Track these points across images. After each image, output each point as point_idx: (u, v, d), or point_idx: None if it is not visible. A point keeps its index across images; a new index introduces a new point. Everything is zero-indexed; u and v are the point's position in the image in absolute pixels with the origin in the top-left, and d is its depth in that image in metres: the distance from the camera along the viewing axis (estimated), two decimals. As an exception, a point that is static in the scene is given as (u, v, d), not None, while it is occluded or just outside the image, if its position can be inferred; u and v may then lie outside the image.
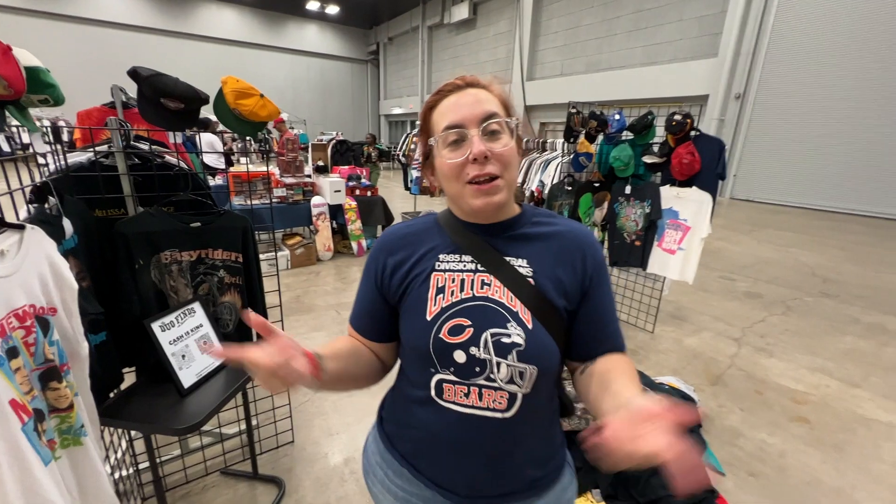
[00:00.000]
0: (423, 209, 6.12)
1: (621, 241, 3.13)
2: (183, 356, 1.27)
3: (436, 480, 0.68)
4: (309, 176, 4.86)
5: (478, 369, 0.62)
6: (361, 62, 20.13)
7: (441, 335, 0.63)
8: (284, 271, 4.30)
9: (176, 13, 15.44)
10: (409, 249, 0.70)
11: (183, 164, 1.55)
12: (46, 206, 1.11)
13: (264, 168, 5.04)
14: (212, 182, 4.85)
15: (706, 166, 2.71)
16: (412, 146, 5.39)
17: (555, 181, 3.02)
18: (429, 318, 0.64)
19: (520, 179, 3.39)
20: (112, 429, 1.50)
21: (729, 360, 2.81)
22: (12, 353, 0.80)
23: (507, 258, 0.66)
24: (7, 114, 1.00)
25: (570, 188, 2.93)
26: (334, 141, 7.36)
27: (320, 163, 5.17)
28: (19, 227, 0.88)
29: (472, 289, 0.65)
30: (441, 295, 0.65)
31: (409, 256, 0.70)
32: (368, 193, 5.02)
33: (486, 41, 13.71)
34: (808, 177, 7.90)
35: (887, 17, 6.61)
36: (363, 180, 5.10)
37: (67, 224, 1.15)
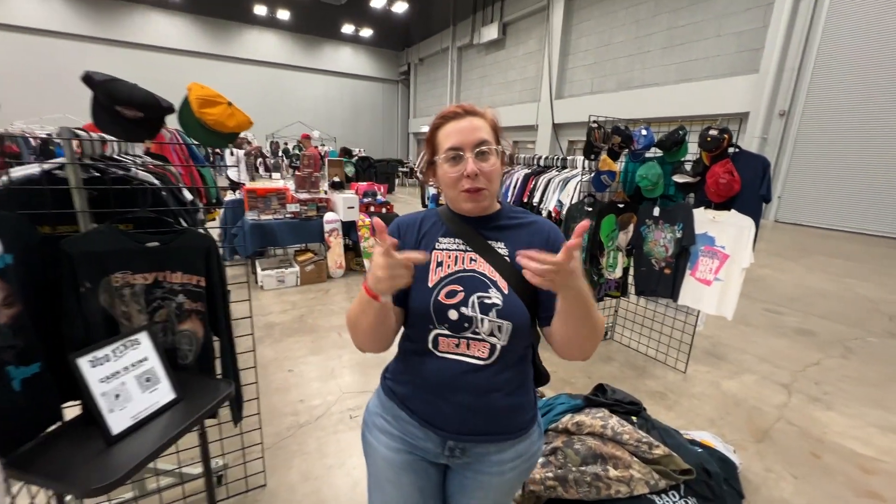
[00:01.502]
0: (440, 227, 5.95)
1: (648, 269, 2.82)
2: (117, 396, 1.10)
3: (427, 418, 0.84)
4: (325, 192, 4.81)
5: (466, 325, 0.80)
6: (392, 82, 20.66)
7: (439, 298, 0.81)
8: (292, 288, 4.20)
9: (222, 38, 16.44)
10: (416, 233, 0.90)
11: (151, 179, 1.43)
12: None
13: (283, 183, 5.04)
14: (231, 197, 4.89)
15: (747, 187, 2.39)
16: (430, 163, 5.29)
17: (573, 201, 2.77)
18: (430, 284, 0.83)
19: (536, 199, 3.16)
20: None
21: (777, 410, 2.40)
22: None
23: (490, 242, 0.85)
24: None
25: (590, 209, 2.67)
26: (356, 158, 7.38)
27: (336, 179, 5.12)
28: None
29: (463, 263, 0.84)
30: (440, 267, 0.84)
31: (417, 237, 0.90)
32: (384, 210, 4.91)
33: (514, 60, 13.69)
34: (861, 199, 7.20)
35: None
36: (379, 197, 5.00)
37: (-6, 242, 1.03)
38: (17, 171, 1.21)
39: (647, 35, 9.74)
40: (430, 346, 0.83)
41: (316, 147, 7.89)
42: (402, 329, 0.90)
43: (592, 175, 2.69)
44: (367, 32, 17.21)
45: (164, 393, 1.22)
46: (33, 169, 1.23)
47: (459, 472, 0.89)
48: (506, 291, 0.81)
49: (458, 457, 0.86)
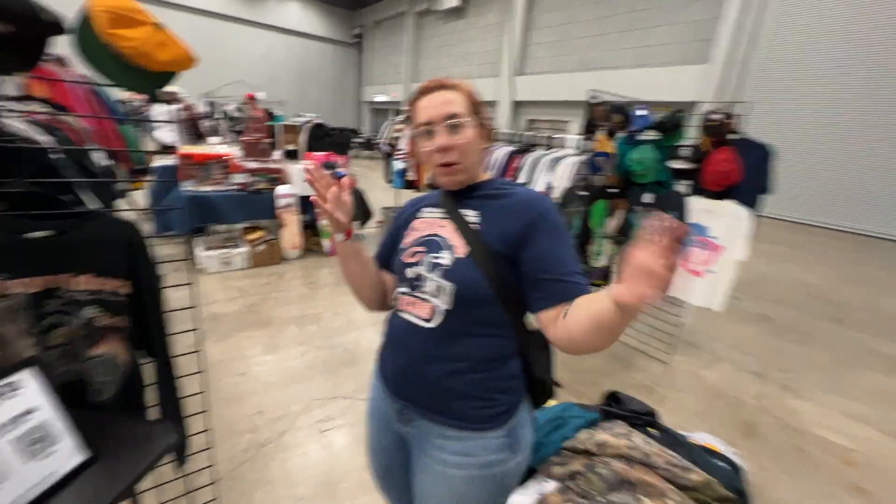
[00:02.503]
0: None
1: (636, 258, 2.70)
2: (-18, 474, 0.71)
3: (382, 373, 0.90)
4: (276, 161, 4.22)
5: (417, 283, 0.82)
6: (345, 45, 19.15)
7: (403, 258, 0.87)
8: (241, 271, 3.67)
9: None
10: (415, 205, 0.96)
11: (39, 136, 0.97)
12: None
13: (225, 149, 4.35)
14: (161, 162, 4.14)
15: (746, 176, 2.30)
16: (395, 134, 4.81)
17: (566, 184, 2.55)
18: (402, 246, 0.90)
19: (522, 179, 2.91)
20: None
21: (755, 401, 2.43)
22: None
23: (462, 210, 0.85)
24: None
25: (585, 193, 2.46)
26: (310, 125, 6.68)
27: (291, 147, 4.53)
28: None
29: (432, 229, 0.87)
30: (414, 232, 0.90)
31: (414, 209, 0.95)
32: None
33: (475, 31, 13.13)
34: (797, 189, 7.79)
35: (880, 38, 6.49)
36: (339, 169, 4.49)
37: None
38: None
39: (609, 16, 9.65)
40: (396, 304, 0.88)
41: (263, 110, 7.01)
42: None
43: (588, 156, 2.47)
44: (313, -15, 15.61)
45: (65, 456, 0.83)
46: None
47: (414, 444, 0.87)
48: (461, 255, 0.79)
49: (405, 425, 0.86)
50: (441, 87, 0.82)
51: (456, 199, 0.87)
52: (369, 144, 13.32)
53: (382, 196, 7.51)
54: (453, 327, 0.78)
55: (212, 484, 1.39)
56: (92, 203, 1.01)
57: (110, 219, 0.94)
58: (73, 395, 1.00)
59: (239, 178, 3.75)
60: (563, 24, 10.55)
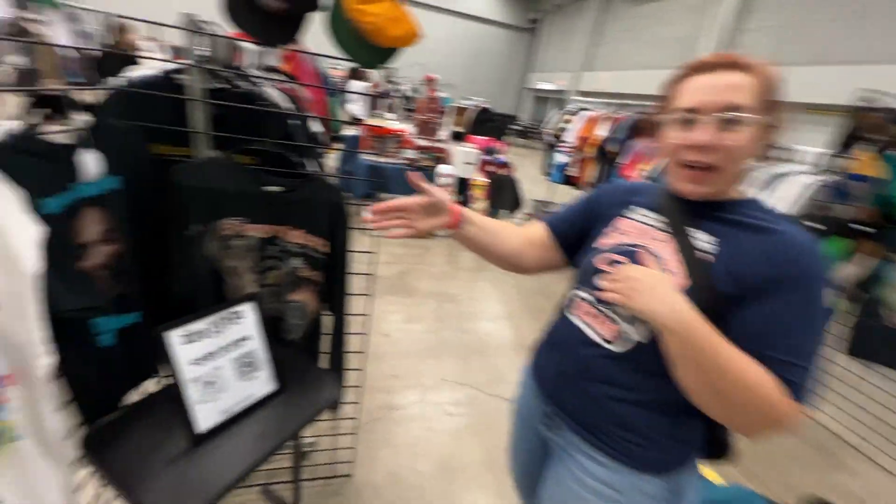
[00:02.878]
0: (560, 200, 5.29)
1: (877, 322, 1.98)
2: (209, 383, 0.85)
3: (537, 371, 0.82)
4: (443, 141, 4.42)
5: (608, 301, 0.67)
6: (519, 30, 19.01)
7: (596, 262, 0.73)
8: (396, 239, 4.00)
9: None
10: (623, 194, 0.80)
11: (284, 102, 1.11)
12: (62, 129, 0.74)
13: (402, 126, 4.76)
14: (348, 132, 4.75)
15: None
16: (562, 125, 4.53)
17: (795, 209, 1.97)
18: (595, 245, 0.76)
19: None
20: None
21: None
22: None
23: (692, 229, 0.66)
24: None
25: (819, 226, 1.87)
26: (478, 109, 6.84)
27: (458, 128, 4.69)
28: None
29: (644, 239, 0.70)
30: (618, 235, 0.74)
31: (621, 199, 0.79)
32: (503, 172, 4.40)
33: (671, 14, 11.45)
34: None
35: None
36: (499, 156, 4.48)
37: (91, 160, 0.77)
38: (136, 72, 0.94)
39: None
40: (567, 304, 0.79)
41: (435, 91, 7.47)
42: None
43: (835, 178, 1.86)
44: (503, -30, 15.71)
45: (262, 382, 0.95)
46: (152, 70, 0.96)
47: (554, 453, 0.80)
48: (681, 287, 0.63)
49: (553, 429, 0.78)
50: (732, 65, 0.62)
51: (688, 211, 0.68)
52: (525, 132, 13.10)
53: (534, 188, 7.29)
54: (641, 360, 0.66)
55: (353, 434, 1.51)
56: (311, 166, 1.13)
57: (323, 182, 1.03)
58: (271, 330, 1.16)
59: (409, 154, 4.04)
60: (797, 4, 8.35)
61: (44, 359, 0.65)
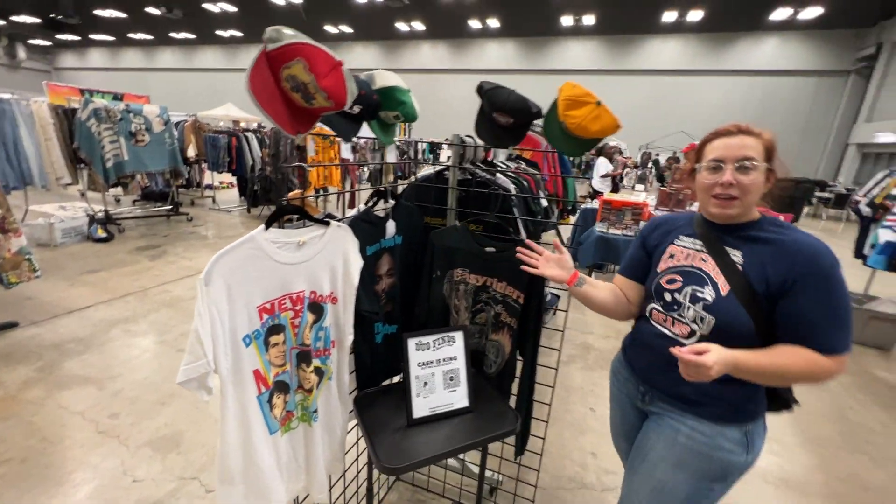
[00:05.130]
0: (886, 294, 3.68)
1: None
2: (425, 383, 1.18)
3: (632, 363, 1.09)
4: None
5: (675, 307, 0.96)
6: (838, 74, 14.87)
7: (661, 282, 1.00)
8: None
9: (624, 52, 17.11)
10: (665, 228, 1.09)
11: (509, 185, 1.46)
12: (381, 208, 1.28)
13: (643, 198, 4.60)
14: (588, 205, 4.96)
15: None
16: (894, 190, 3.23)
17: None
18: (659, 269, 1.03)
19: None
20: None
21: None
22: (276, 329, 0.91)
23: (727, 248, 0.92)
24: (371, 127, 1.18)
25: None
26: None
27: (712, 199, 4.11)
28: (324, 224, 1.00)
29: (692, 261, 0.97)
30: (671, 259, 1.02)
31: (664, 232, 1.08)
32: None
33: None
34: None
35: None
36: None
37: (391, 225, 1.29)
38: (426, 171, 1.49)
39: None
40: (646, 314, 1.04)
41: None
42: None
43: None
44: (811, 13, 12.99)
45: (460, 397, 1.21)
46: (431, 170, 1.49)
47: (651, 418, 1.04)
48: (724, 293, 0.88)
49: (648, 403, 1.03)
50: (742, 132, 0.91)
51: (719, 234, 0.95)
52: (840, 200, 9.73)
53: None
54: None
55: (535, 487, 1.57)
56: (523, 233, 1.41)
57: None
58: (475, 362, 1.43)
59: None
60: None
61: (351, 336, 1.12)
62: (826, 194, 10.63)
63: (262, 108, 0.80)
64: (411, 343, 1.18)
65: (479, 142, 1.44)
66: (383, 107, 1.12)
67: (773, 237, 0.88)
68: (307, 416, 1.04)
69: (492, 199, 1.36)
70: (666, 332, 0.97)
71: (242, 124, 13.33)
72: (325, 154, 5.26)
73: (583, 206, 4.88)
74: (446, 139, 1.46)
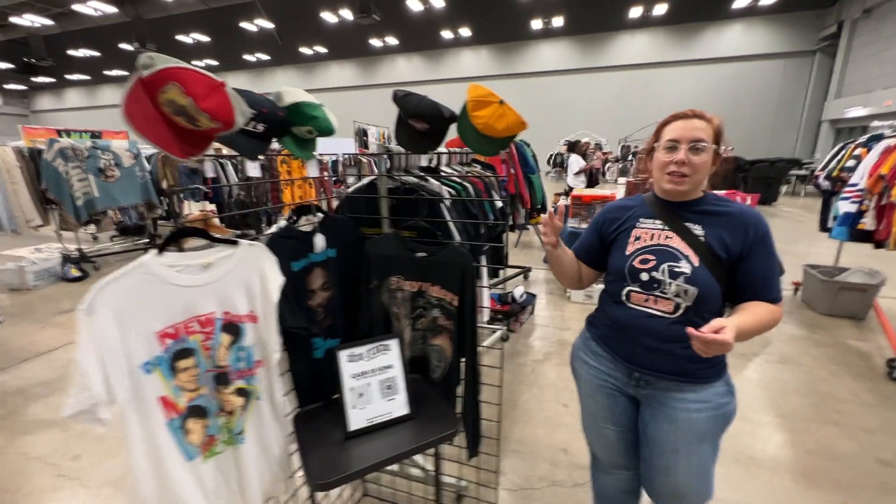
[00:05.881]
0: (852, 264, 3.73)
1: None
2: (360, 394, 1.17)
3: (619, 353, 1.09)
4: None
5: (655, 285, 1.01)
6: (804, 55, 15.21)
7: (633, 263, 1.05)
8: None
9: (593, 50, 17.40)
10: (622, 213, 1.14)
11: (442, 191, 1.47)
12: (307, 222, 1.29)
13: (611, 191, 4.64)
14: (564, 202, 4.99)
15: None
16: (848, 163, 3.29)
17: None
18: (627, 252, 1.07)
19: None
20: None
21: None
22: (183, 353, 0.90)
23: (686, 223, 1.03)
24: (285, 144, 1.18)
25: None
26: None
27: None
28: (232, 244, 1.00)
29: (658, 239, 1.04)
30: (637, 240, 1.07)
31: (621, 217, 1.14)
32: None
33: None
34: None
35: None
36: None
37: (319, 239, 1.29)
38: (360, 183, 1.50)
39: None
40: (622, 298, 1.06)
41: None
42: (603, 286, 1.16)
43: None
44: (772, -3, 13.33)
45: (399, 405, 1.20)
46: (365, 180, 1.50)
47: (648, 403, 1.08)
48: (696, 264, 0.98)
49: (643, 387, 1.07)
50: (696, 116, 1.01)
51: (676, 212, 1.05)
52: (813, 178, 9.89)
53: (811, 249, 5.46)
54: (690, 317, 0.98)
55: (496, 488, 1.55)
56: (456, 236, 1.41)
57: (455, 250, 1.28)
58: (420, 368, 1.43)
59: (617, 218, 3.88)
60: None
61: (277, 354, 1.11)
62: (803, 171, 10.81)
63: (141, 133, 0.80)
64: (343, 356, 1.18)
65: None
66: (295, 122, 1.13)
67: (722, 210, 1.01)
68: (233, 438, 1.02)
69: (419, 204, 1.37)
70: (652, 311, 1.01)
71: (225, 151, 13.35)
72: (300, 174, 5.27)
73: (556, 203, 4.92)
74: (362, 151, 1.47)
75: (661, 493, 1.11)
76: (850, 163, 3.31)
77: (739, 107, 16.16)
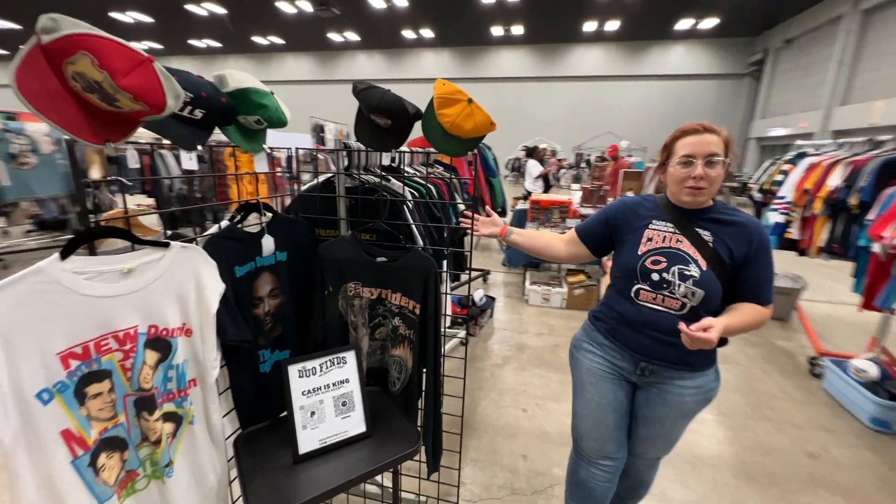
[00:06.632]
0: (778, 270, 4.07)
1: None
2: (312, 413, 1.07)
3: (628, 345, 1.17)
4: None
5: (665, 286, 1.09)
6: (736, 77, 16.66)
7: (646, 263, 1.11)
8: (556, 309, 3.87)
9: (552, 60, 17.98)
10: (636, 212, 1.20)
11: (405, 192, 1.39)
12: (254, 222, 1.16)
13: (568, 196, 4.77)
14: (522, 206, 5.06)
15: None
16: (778, 177, 3.60)
17: None
18: (639, 252, 1.13)
19: None
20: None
21: None
22: (95, 377, 0.76)
23: (698, 229, 1.10)
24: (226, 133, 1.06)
25: None
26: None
27: (630, 193, 4.35)
28: (162, 246, 0.87)
29: (669, 242, 1.11)
30: (650, 241, 1.13)
31: (635, 215, 1.19)
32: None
33: None
34: None
35: None
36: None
37: (268, 241, 1.17)
38: (315, 180, 1.39)
39: None
40: (632, 295, 1.14)
41: (624, 158, 7.24)
42: (611, 281, 1.25)
43: None
44: (709, 23, 14.45)
45: (355, 422, 1.11)
46: (321, 178, 1.39)
47: (646, 389, 1.21)
48: (704, 268, 1.06)
49: (647, 376, 1.18)
50: (707, 130, 1.08)
51: (688, 218, 1.12)
52: (745, 189, 10.83)
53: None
54: (694, 315, 1.06)
55: (455, 502, 1.50)
56: (419, 240, 1.34)
57: (417, 254, 1.20)
58: (379, 380, 1.34)
59: (572, 223, 3.98)
60: None
61: (215, 371, 0.98)
62: (734, 184, 11.80)
63: (40, 111, 0.66)
64: (292, 371, 1.07)
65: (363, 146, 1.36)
66: (240, 111, 1.01)
67: (730, 218, 1.09)
68: (158, 471, 0.89)
69: (380, 205, 1.28)
70: (661, 309, 1.10)
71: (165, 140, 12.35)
72: (250, 168, 4.94)
73: (516, 207, 4.98)
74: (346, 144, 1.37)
75: (638, 452, 1.29)
76: (779, 177, 3.61)
77: (681, 121, 16.93)
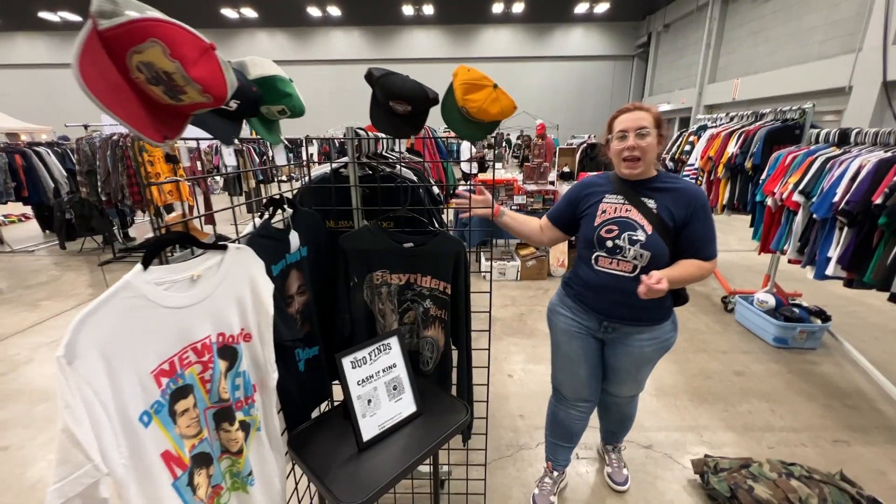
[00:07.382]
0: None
1: None
2: (369, 401, 1.08)
3: (592, 306, 1.35)
4: (552, 183, 4.51)
5: (618, 251, 1.25)
6: (626, 58, 18.46)
7: (601, 232, 1.27)
8: (512, 282, 4.12)
9: (465, 41, 18.20)
10: (593, 189, 1.36)
11: (412, 176, 1.41)
12: (279, 218, 1.11)
13: (510, 175, 5.02)
14: (463, 187, 5.19)
15: None
16: (686, 147, 4.20)
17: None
18: (595, 223, 1.29)
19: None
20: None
21: None
22: (181, 392, 0.71)
23: (642, 198, 1.26)
24: (251, 127, 0.99)
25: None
26: (584, 145, 6.79)
27: (566, 169, 4.73)
28: (221, 248, 0.81)
29: (620, 212, 1.27)
30: (604, 213, 1.29)
31: (593, 192, 1.35)
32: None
33: (813, 2, 9.82)
34: None
35: None
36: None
37: (294, 237, 1.12)
38: (316, 171, 1.34)
39: None
40: (592, 262, 1.30)
41: (550, 137, 7.72)
42: (577, 252, 1.39)
43: None
44: (602, 7, 15.77)
45: (407, 403, 1.15)
46: (326, 168, 1.34)
47: (612, 344, 1.39)
48: (649, 232, 1.22)
49: (610, 332, 1.35)
50: (638, 108, 1.24)
51: (634, 189, 1.27)
52: (658, 158, 12.26)
53: (658, 216, 6.70)
54: (644, 274, 1.17)
55: (482, 465, 1.61)
56: (436, 223, 1.38)
57: (447, 237, 1.25)
58: (411, 362, 1.37)
59: (519, 200, 4.22)
60: None
61: (274, 374, 0.95)
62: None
63: (108, 107, 0.59)
64: (346, 362, 1.06)
65: (377, 134, 1.35)
66: (265, 100, 0.95)
67: (671, 186, 1.25)
68: (240, 483, 0.85)
69: (399, 192, 1.29)
70: (617, 272, 1.25)
71: (24, 137, 10.26)
72: (162, 165, 4.36)
73: (474, 185, 5.10)
74: (344, 134, 1.32)
75: (615, 393, 1.53)
76: (687, 147, 4.19)
77: (584, 99, 18.88)
